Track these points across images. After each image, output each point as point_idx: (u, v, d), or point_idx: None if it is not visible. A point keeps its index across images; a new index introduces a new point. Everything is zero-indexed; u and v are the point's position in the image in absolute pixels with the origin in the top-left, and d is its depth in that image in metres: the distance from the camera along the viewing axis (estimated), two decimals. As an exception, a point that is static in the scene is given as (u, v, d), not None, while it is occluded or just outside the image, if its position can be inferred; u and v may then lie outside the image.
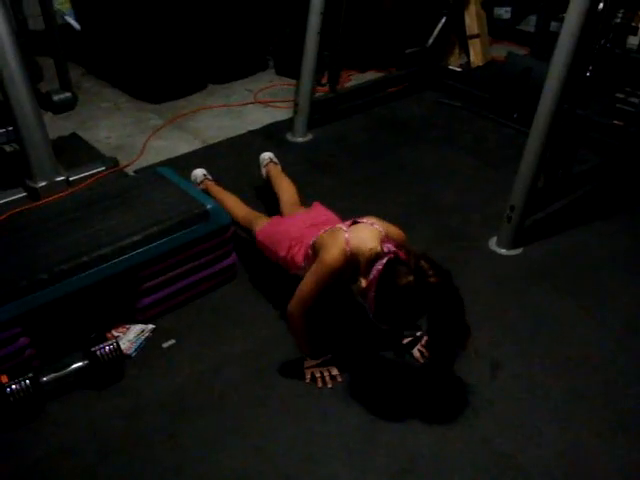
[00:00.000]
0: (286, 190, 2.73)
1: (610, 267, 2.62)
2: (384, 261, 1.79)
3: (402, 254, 1.81)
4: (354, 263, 1.91)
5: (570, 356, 2.20)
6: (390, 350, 2.21)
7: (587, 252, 2.71)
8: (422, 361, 2.16)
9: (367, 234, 1.94)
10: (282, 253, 2.24)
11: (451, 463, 1.84)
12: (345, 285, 2.00)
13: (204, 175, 2.91)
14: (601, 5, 2.43)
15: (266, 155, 2.99)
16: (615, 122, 3.44)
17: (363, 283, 1.85)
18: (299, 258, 2.17)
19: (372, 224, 1.99)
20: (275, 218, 2.49)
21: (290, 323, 2.09)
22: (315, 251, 2.06)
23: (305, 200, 2.71)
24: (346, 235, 1.95)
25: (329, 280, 1.95)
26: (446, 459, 1.86)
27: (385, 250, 1.84)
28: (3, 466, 1.85)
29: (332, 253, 1.93)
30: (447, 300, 1.75)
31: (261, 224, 2.44)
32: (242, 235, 2.58)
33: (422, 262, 1.75)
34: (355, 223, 2.02)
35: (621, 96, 3.70)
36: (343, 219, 2.18)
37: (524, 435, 1.92)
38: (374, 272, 1.80)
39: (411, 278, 1.73)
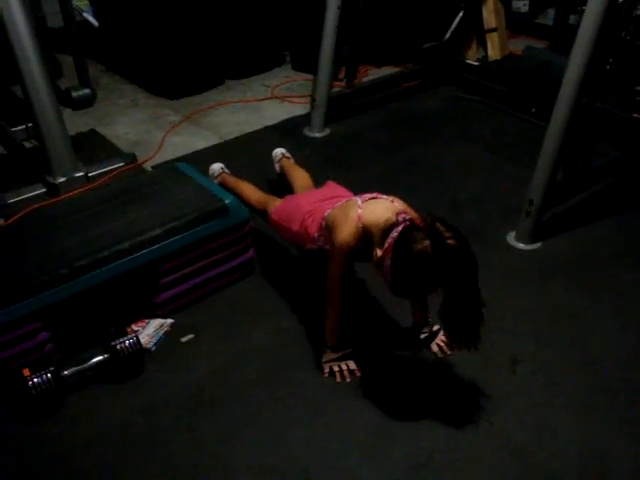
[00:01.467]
0: (300, 177, 2.74)
1: (630, 262, 2.59)
2: (399, 228, 1.75)
3: (418, 221, 1.78)
4: (368, 237, 1.87)
5: (589, 351, 2.18)
6: (408, 345, 2.21)
7: (606, 246, 2.68)
8: (440, 355, 2.16)
9: (381, 208, 1.90)
10: (295, 227, 2.23)
11: (468, 458, 1.84)
12: (367, 258, 1.92)
13: (222, 168, 2.92)
14: (621, -3, 2.40)
15: (278, 151, 3.01)
16: (635, 115, 3.40)
17: (378, 253, 1.79)
18: (312, 229, 2.15)
19: (392, 201, 1.96)
20: (288, 197, 2.48)
21: (329, 309, 2.06)
22: (328, 227, 2.04)
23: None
24: (359, 211, 1.92)
25: (349, 258, 1.96)
26: (463, 454, 1.85)
27: (400, 219, 1.79)
28: (24, 459, 1.87)
29: (344, 233, 1.91)
30: (465, 265, 1.67)
31: (275, 204, 2.43)
32: (259, 228, 2.59)
33: (438, 225, 1.68)
34: (373, 198, 1.99)
35: (641, 89, 3.66)
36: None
37: (543, 431, 1.91)
38: (389, 240, 1.75)
39: (427, 243, 1.66)
